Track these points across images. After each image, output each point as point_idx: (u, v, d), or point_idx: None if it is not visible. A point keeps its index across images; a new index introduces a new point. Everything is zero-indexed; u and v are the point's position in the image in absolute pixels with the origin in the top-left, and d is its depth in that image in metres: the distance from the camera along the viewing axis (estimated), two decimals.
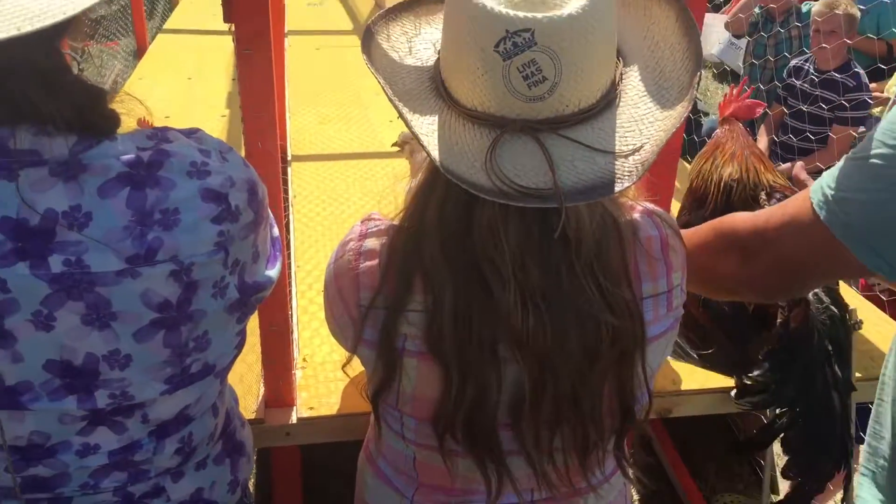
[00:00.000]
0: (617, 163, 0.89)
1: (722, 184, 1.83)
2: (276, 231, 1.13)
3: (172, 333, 0.91)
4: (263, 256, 1.05)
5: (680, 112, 0.92)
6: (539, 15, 0.85)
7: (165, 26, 5.90)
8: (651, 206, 1.10)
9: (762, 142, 4.24)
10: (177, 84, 4.23)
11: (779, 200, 1.74)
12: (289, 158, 3.12)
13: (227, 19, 1.32)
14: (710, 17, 6.80)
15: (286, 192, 2.81)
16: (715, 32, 6.53)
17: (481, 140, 0.91)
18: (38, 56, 0.84)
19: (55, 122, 0.84)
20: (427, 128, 0.95)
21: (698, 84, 0.93)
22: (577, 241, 0.93)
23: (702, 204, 1.84)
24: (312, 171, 3.00)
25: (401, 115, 0.96)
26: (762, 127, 4.35)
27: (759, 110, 1.93)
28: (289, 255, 2.28)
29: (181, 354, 0.94)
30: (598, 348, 0.96)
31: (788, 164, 3.70)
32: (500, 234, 0.92)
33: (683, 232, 1.47)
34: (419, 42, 1.09)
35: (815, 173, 1.82)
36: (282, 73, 3.61)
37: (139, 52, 5.24)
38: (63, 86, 0.86)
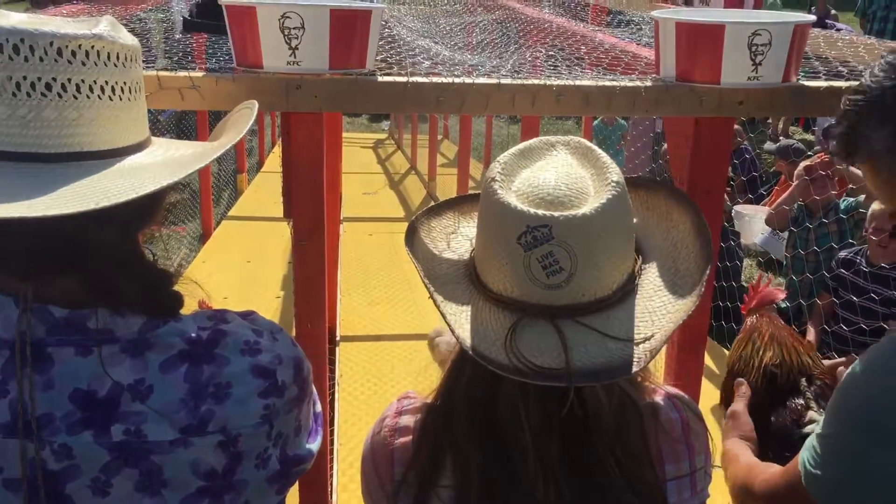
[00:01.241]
0: (627, 349, 0.96)
1: (763, 369, 1.81)
2: (318, 407, 1.19)
3: (216, 502, 0.95)
4: (305, 430, 1.10)
5: (689, 305, 1.00)
6: (556, 213, 0.95)
7: (230, 213, 6.30)
8: (672, 389, 1.15)
9: (811, 334, 4.23)
10: (237, 267, 4.48)
11: (819, 387, 1.74)
12: (337, 339, 3.24)
13: (286, 214, 1.48)
14: (751, 209, 6.98)
15: (333, 371, 2.90)
16: (757, 223, 6.67)
17: (504, 322, 0.99)
18: (121, 243, 0.95)
19: (129, 304, 0.94)
20: (455, 308, 1.04)
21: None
22: (596, 421, 0.98)
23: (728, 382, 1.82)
24: (359, 351, 3.11)
25: (431, 297, 1.05)
26: (810, 320, 4.37)
27: (781, 295, 1.95)
28: (332, 432, 2.33)
29: None
30: None
31: (837, 361, 3.67)
32: (520, 411, 0.98)
33: (731, 454, 1.49)
34: (458, 236, 1.21)
35: None
36: (335, 257, 3.82)
37: (204, 237, 5.58)
38: (138, 271, 0.97)
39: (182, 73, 1.35)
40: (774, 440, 1.62)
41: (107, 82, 0.90)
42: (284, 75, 1.36)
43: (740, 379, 1.74)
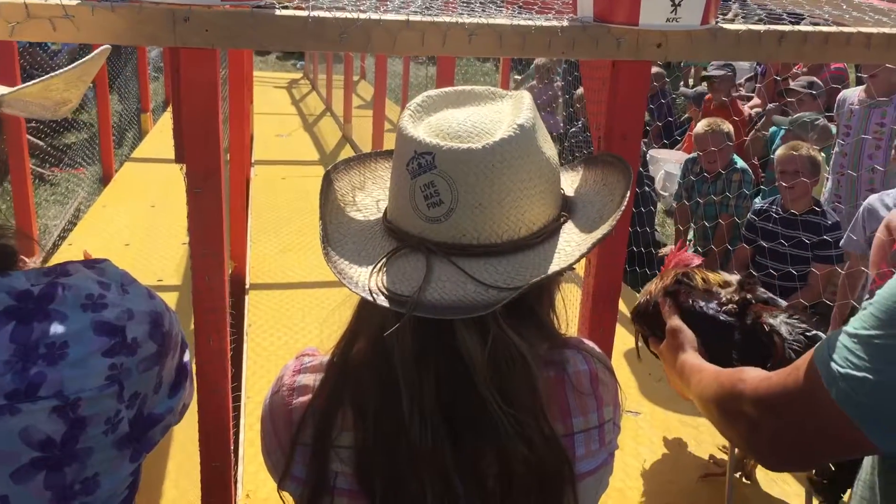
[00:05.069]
0: (485, 294, 0.93)
1: (674, 279, 1.81)
2: (186, 357, 1.10)
3: (55, 474, 0.87)
4: (167, 385, 1.03)
5: (559, 265, 0.97)
6: (442, 143, 0.94)
7: (134, 154, 6.03)
8: (580, 339, 1.12)
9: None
10: (140, 211, 4.29)
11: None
12: (247, 287, 3.13)
13: (178, 160, 1.36)
14: (666, 154, 7.10)
15: (241, 321, 2.81)
16: (668, 167, 6.78)
17: (385, 249, 0.99)
18: None
19: None
20: (337, 225, 1.06)
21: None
22: (471, 363, 0.95)
23: (650, 315, 1.83)
24: (270, 300, 3.02)
25: (321, 218, 1.05)
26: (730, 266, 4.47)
27: (697, 260, 2.00)
28: (238, 386, 2.26)
29: (65, 498, 0.89)
30: (512, 476, 0.96)
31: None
32: (395, 348, 0.95)
33: (694, 366, 1.48)
34: (374, 187, 1.16)
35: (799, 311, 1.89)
36: (244, 202, 3.69)
37: (105, 180, 5.32)
38: None
39: (53, 1, 1.21)
40: (703, 325, 1.64)
41: None
42: (170, 5, 1.24)
43: (663, 298, 1.74)
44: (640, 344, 1.98)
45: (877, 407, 0.91)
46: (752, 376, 1.13)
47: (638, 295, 3.30)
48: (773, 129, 5.56)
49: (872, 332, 0.91)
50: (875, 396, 0.91)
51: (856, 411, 0.92)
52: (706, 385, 1.27)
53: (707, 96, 7.10)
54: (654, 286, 1.90)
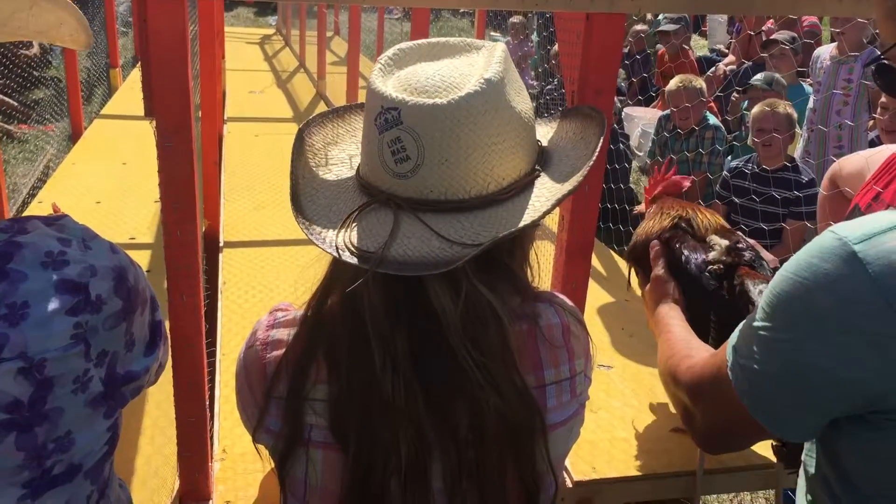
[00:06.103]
0: (449, 250, 0.93)
1: (673, 221, 1.77)
2: (158, 315, 1.09)
3: (26, 435, 0.86)
4: (141, 343, 1.01)
5: (524, 221, 0.97)
6: (408, 97, 0.93)
7: (104, 111, 5.92)
8: (553, 293, 1.13)
9: None
10: (111, 169, 4.22)
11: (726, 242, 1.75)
12: (221, 245, 3.11)
13: (148, 113, 1.34)
14: (641, 111, 7.09)
15: (215, 279, 2.80)
16: (644, 125, 6.78)
17: (355, 204, 0.99)
18: None
19: None
20: (310, 180, 1.06)
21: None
22: (444, 317, 0.96)
23: (641, 255, 1.79)
24: (244, 258, 3.00)
25: (292, 168, 1.05)
26: None
27: (687, 184, 1.94)
28: (213, 342, 2.25)
29: (39, 457, 0.88)
30: (483, 426, 0.97)
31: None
32: (365, 301, 0.95)
33: (663, 322, 1.49)
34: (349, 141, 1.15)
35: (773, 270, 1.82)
36: (217, 158, 3.64)
37: (74, 137, 5.23)
38: None
39: None
40: (687, 279, 1.66)
41: None
42: None
43: (654, 241, 1.73)
44: (631, 277, 1.93)
45: (761, 395, 0.95)
46: (686, 365, 1.17)
47: (613, 252, 3.33)
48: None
49: (759, 324, 0.95)
50: (759, 385, 0.95)
51: (747, 399, 0.97)
52: (661, 354, 1.32)
53: (660, 51, 7.12)
54: (652, 225, 1.82)
